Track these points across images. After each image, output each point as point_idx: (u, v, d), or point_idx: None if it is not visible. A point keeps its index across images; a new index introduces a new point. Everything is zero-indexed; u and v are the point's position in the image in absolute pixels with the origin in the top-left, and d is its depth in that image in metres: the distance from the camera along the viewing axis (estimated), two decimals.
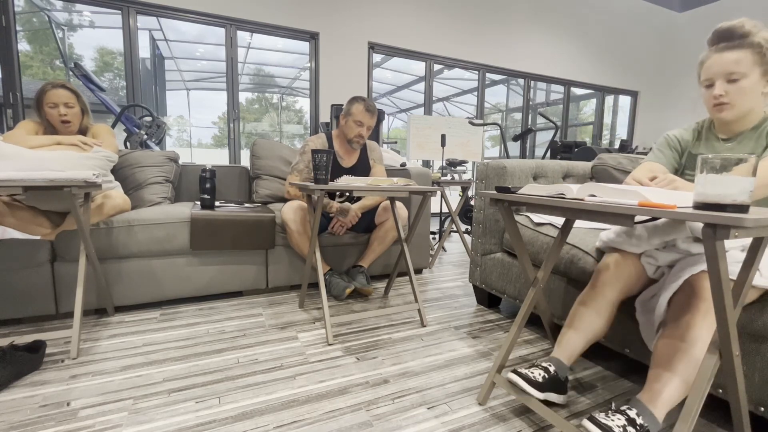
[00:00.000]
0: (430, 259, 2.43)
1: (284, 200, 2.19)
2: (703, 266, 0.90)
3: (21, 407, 1.00)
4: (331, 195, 1.92)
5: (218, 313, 1.66)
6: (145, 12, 3.51)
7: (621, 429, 0.77)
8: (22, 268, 1.44)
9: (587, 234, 1.39)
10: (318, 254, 1.52)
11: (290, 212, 1.76)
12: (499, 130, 7.21)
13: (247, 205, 2.03)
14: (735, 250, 0.91)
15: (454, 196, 4.64)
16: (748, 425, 0.82)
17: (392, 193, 1.55)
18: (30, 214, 1.51)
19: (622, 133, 6.72)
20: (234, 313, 1.66)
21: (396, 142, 4.53)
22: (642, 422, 0.79)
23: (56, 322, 1.53)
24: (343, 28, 4.20)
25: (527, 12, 5.23)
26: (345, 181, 1.49)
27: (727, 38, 0.98)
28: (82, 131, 1.74)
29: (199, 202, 1.93)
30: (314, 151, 1.37)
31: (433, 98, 4.96)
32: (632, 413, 0.80)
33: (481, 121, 2.98)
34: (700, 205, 0.61)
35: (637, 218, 0.97)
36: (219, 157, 5.52)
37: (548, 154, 3.80)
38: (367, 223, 1.98)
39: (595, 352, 1.38)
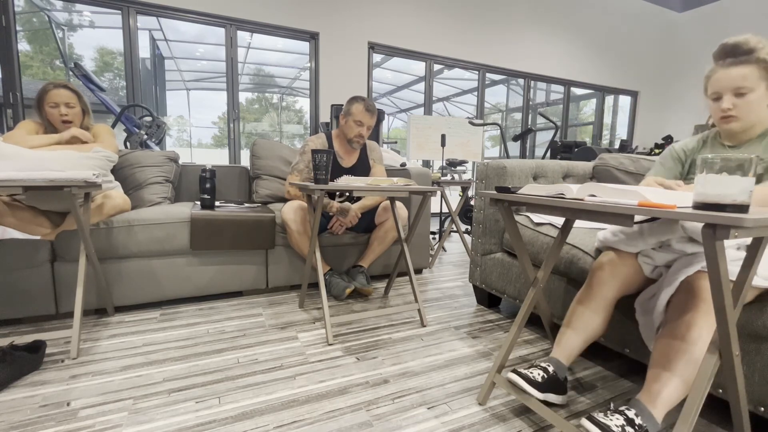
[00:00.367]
0: (430, 259, 2.43)
1: (284, 200, 2.19)
2: (699, 266, 0.91)
3: (21, 407, 1.00)
4: (331, 195, 1.92)
5: (218, 313, 1.66)
6: (145, 12, 3.51)
7: (619, 429, 0.77)
8: (22, 268, 1.44)
9: (587, 234, 1.39)
10: (318, 254, 1.52)
11: (290, 212, 1.76)
12: (499, 130, 7.21)
13: (247, 205, 2.03)
14: (731, 248, 0.91)
15: (454, 196, 4.64)
16: (748, 425, 0.82)
17: (392, 193, 1.55)
18: (30, 214, 1.51)
19: (622, 133, 6.72)
20: (234, 313, 1.66)
21: (396, 142, 4.53)
22: (641, 422, 0.79)
23: (56, 322, 1.53)
24: (343, 28, 4.20)
25: (527, 12, 5.23)
26: (345, 181, 1.49)
27: (733, 54, 1.00)
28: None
29: (199, 202, 1.93)
30: (314, 151, 1.37)
31: (433, 98, 4.96)
32: (631, 413, 0.80)
33: (481, 121, 2.98)
34: (700, 205, 0.61)
35: (637, 218, 0.98)
36: (219, 157, 5.51)
37: (548, 154, 3.80)
38: (367, 223, 1.98)
39: (595, 352, 1.38)
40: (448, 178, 2.98)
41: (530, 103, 5.72)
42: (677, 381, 0.82)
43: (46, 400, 1.03)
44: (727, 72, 0.99)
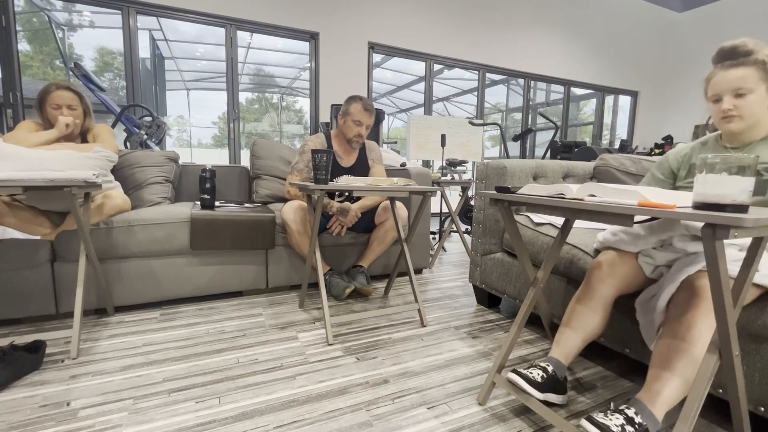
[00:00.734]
0: (430, 259, 2.43)
1: (284, 200, 2.19)
2: (700, 265, 0.91)
3: (21, 407, 1.00)
4: (331, 195, 1.92)
5: (218, 313, 1.66)
6: (145, 12, 3.50)
7: (619, 428, 0.77)
8: (22, 268, 1.44)
9: (587, 234, 1.39)
10: (318, 254, 1.52)
11: (290, 212, 1.76)
12: (499, 130, 7.21)
13: (247, 205, 2.03)
14: (732, 248, 0.91)
15: (454, 196, 4.64)
16: (748, 425, 0.82)
17: (392, 193, 1.55)
18: (30, 214, 1.51)
19: (622, 133, 6.72)
20: (234, 313, 1.66)
21: (396, 142, 4.53)
22: (641, 421, 0.79)
23: (56, 322, 1.53)
24: (343, 28, 4.20)
25: (527, 12, 5.24)
26: (345, 181, 1.49)
27: (731, 57, 1.01)
28: (84, 133, 1.74)
29: (199, 202, 1.93)
30: (314, 151, 1.37)
31: (433, 98, 4.96)
32: (630, 412, 0.80)
33: (481, 121, 2.98)
34: (700, 205, 0.61)
35: (637, 218, 0.98)
36: (219, 157, 5.51)
37: (548, 154, 3.80)
38: (367, 223, 1.98)
39: (595, 352, 1.38)
40: (448, 178, 2.98)
41: (530, 103, 5.72)
42: (678, 380, 0.82)
43: (46, 400, 1.03)
44: (726, 74, 1.00)
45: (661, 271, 1.04)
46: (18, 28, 3.17)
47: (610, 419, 0.79)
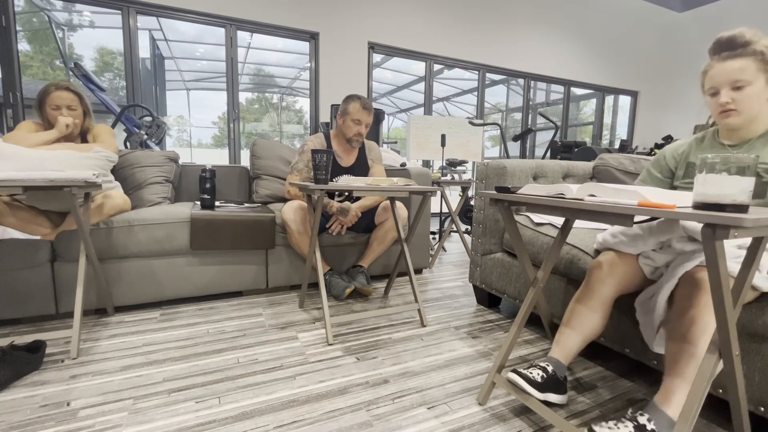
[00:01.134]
0: (430, 259, 2.43)
1: (284, 200, 2.19)
2: (698, 261, 0.91)
3: (21, 407, 1.00)
4: (331, 194, 1.92)
5: (218, 313, 1.66)
6: (145, 12, 3.50)
7: None
8: (22, 268, 1.44)
9: (587, 234, 1.39)
10: (318, 254, 1.52)
11: (290, 212, 1.76)
12: (499, 130, 7.21)
13: (247, 205, 2.03)
14: (731, 246, 0.91)
15: (454, 196, 4.64)
16: (748, 425, 0.82)
17: (392, 193, 1.55)
18: (30, 214, 1.51)
19: (622, 133, 6.72)
20: (234, 313, 1.66)
21: (396, 142, 4.53)
22: (653, 428, 0.79)
23: (56, 322, 1.53)
24: (343, 28, 4.20)
25: (527, 12, 5.23)
26: (345, 181, 1.49)
27: (728, 47, 0.98)
28: (84, 133, 1.74)
29: (199, 202, 1.93)
30: (314, 151, 1.37)
31: (433, 98, 4.96)
32: (643, 419, 0.81)
33: (481, 121, 2.98)
34: (700, 205, 0.61)
35: (637, 218, 0.98)
36: (219, 157, 5.51)
37: (548, 154, 3.80)
38: (367, 223, 1.98)
39: (595, 352, 1.38)
40: (448, 178, 2.98)
41: (530, 103, 5.72)
42: (687, 384, 0.81)
43: (46, 400, 1.03)
44: (724, 65, 0.97)
45: (661, 272, 1.04)
46: (18, 28, 3.17)
47: (618, 428, 0.80)
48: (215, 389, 1.10)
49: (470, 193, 3.36)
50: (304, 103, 6.81)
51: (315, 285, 2.02)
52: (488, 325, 1.62)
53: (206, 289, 1.78)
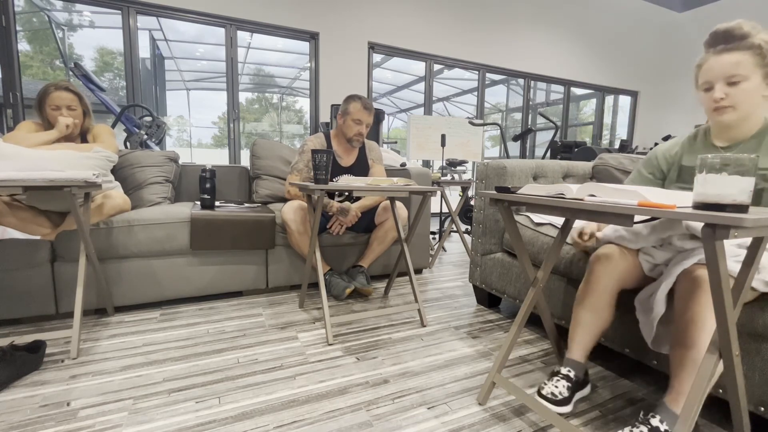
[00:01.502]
0: (430, 259, 2.43)
1: (284, 200, 2.19)
2: (697, 258, 0.91)
3: (21, 407, 1.00)
4: (331, 194, 1.92)
5: (218, 313, 1.66)
6: (145, 12, 3.50)
7: None
8: (22, 268, 1.44)
9: None
10: (318, 254, 1.52)
11: (290, 212, 1.76)
12: (499, 130, 7.21)
13: (247, 205, 2.03)
14: (732, 245, 0.92)
15: (454, 196, 4.64)
16: (748, 425, 0.82)
17: (392, 193, 1.55)
18: (30, 214, 1.51)
19: (622, 133, 6.72)
20: (234, 313, 1.66)
21: (396, 142, 4.53)
22: (666, 428, 0.81)
23: (56, 322, 1.53)
24: (343, 28, 4.20)
25: (527, 12, 5.23)
26: (345, 181, 1.49)
27: (725, 40, 0.94)
28: (84, 133, 1.73)
29: (199, 202, 1.93)
30: (314, 151, 1.37)
31: (433, 98, 4.96)
32: (655, 421, 0.83)
33: (481, 121, 2.98)
34: (700, 205, 0.61)
35: (637, 218, 0.98)
36: (219, 157, 5.51)
37: (548, 154, 3.80)
38: (367, 223, 1.98)
39: (595, 352, 1.38)
40: (448, 178, 2.98)
41: (530, 103, 5.72)
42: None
43: (46, 400, 1.03)
44: (719, 59, 0.93)
45: (660, 270, 1.04)
46: (18, 28, 3.17)
47: None
48: (215, 389, 1.10)
49: (470, 193, 3.36)
50: (304, 103, 6.81)
51: (315, 285, 2.02)
52: (488, 325, 1.62)
53: (206, 289, 1.78)
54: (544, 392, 1.02)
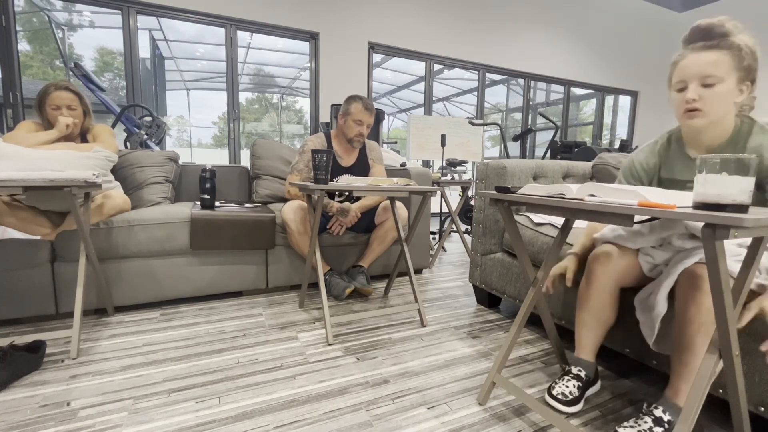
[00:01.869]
0: (430, 259, 2.43)
1: (284, 200, 2.19)
2: (697, 258, 0.91)
3: (21, 407, 1.00)
4: (331, 194, 1.92)
5: (218, 313, 1.66)
6: (145, 12, 3.50)
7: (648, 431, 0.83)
8: (22, 268, 1.44)
9: None
10: (318, 254, 1.52)
11: (290, 212, 1.76)
12: (499, 130, 7.21)
13: (247, 205, 2.03)
14: (732, 245, 0.92)
15: (454, 196, 4.64)
16: (748, 425, 0.82)
17: (392, 193, 1.55)
18: (30, 214, 1.51)
19: (622, 133, 6.72)
20: (234, 313, 1.66)
21: (396, 142, 4.53)
22: (669, 418, 0.84)
23: (56, 322, 1.53)
24: (343, 28, 4.20)
25: (527, 12, 5.23)
26: (345, 181, 1.49)
27: (705, 37, 0.90)
28: (84, 132, 1.74)
29: (199, 202, 1.93)
30: (314, 151, 1.37)
31: (433, 98, 4.96)
32: (658, 411, 0.86)
33: (481, 121, 2.98)
34: (700, 205, 0.61)
35: (636, 218, 0.98)
36: (219, 157, 5.51)
37: (548, 154, 3.80)
38: (367, 223, 1.98)
39: None
40: (448, 178, 2.98)
41: (530, 103, 5.72)
42: (690, 384, 0.85)
43: (46, 400, 1.03)
44: (697, 57, 0.89)
45: (660, 270, 1.04)
46: (18, 28, 3.17)
47: (639, 425, 0.85)
48: (215, 389, 1.10)
49: (470, 193, 3.36)
50: (304, 103, 6.81)
51: (315, 285, 2.02)
52: (488, 325, 1.62)
53: (206, 289, 1.78)
54: (554, 392, 1.03)
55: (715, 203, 0.59)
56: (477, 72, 5.18)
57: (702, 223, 0.61)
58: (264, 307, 1.74)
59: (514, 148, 6.09)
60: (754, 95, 0.93)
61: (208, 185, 1.85)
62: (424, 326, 1.58)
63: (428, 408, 1.04)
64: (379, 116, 2.90)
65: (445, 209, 4.77)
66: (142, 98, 3.65)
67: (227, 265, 1.80)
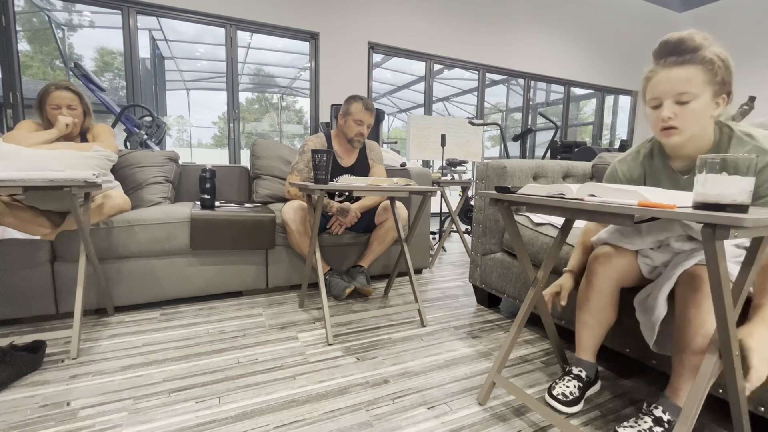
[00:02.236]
0: (430, 259, 2.43)
1: (284, 200, 2.19)
2: (696, 259, 0.91)
3: (21, 407, 1.00)
4: (331, 194, 1.92)
5: (218, 313, 1.66)
6: (145, 12, 3.51)
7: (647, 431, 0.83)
8: (22, 268, 1.44)
9: None
10: (318, 254, 1.52)
11: (290, 212, 1.76)
12: (499, 130, 7.21)
13: (247, 205, 2.03)
14: (731, 246, 0.92)
15: (454, 196, 4.64)
16: (748, 425, 0.82)
17: (392, 193, 1.55)
18: (30, 214, 1.51)
19: (622, 133, 6.72)
20: (234, 313, 1.66)
21: (396, 142, 4.53)
22: (669, 418, 0.85)
23: (56, 322, 1.53)
24: (343, 28, 4.20)
25: (527, 12, 5.23)
26: (345, 181, 1.49)
27: (675, 52, 0.87)
28: (84, 132, 1.74)
29: (199, 202, 1.93)
30: (314, 151, 1.37)
31: (433, 98, 4.96)
32: (658, 411, 0.86)
33: (481, 121, 2.98)
34: (700, 205, 0.61)
35: (637, 218, 0.98)
36: (219, 157, 5.51)
37: (548, 154, 3.80)
38: (367, 223, 1.98)
39: None
40: (448, 178, 2.98)
41: (530, 103, 5.72)
42: (691, 384, 0.84)
43: (46, 400, 1.03)
44: (669, 73, 0.87)
45: (659, 272, 1.04)
46: (18, 28, 3.17)
47: (639, 424, 0.85)
48: (215, 389, 1.10)
49: (470, 193, 3.36)
50: (304, 103, 6.80)
51: (315, 285, 2.02)
52: (488, 325, 1.62)
53: (206, 289, 1.78)
54: (554, 392, 1.03)
55: (715, 203, 0.59)
56: (477, 72, 5.18)
57: (701, 224, 0.61)
58: (264, 307, 1.74)
59: (514, 148, 6.09)
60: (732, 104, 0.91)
61: (208, 185, 1.85)
62: (424, 326, 1.58)
63: (428, 408, 1.04)
64: (379, 116, 2.90)
65: (445, 209, 4.77)
66: (142, 98, 3.64)
67: (227, 265, 1.80)
